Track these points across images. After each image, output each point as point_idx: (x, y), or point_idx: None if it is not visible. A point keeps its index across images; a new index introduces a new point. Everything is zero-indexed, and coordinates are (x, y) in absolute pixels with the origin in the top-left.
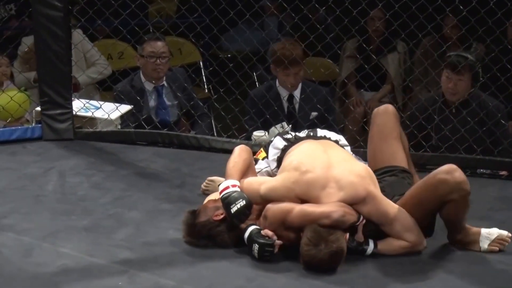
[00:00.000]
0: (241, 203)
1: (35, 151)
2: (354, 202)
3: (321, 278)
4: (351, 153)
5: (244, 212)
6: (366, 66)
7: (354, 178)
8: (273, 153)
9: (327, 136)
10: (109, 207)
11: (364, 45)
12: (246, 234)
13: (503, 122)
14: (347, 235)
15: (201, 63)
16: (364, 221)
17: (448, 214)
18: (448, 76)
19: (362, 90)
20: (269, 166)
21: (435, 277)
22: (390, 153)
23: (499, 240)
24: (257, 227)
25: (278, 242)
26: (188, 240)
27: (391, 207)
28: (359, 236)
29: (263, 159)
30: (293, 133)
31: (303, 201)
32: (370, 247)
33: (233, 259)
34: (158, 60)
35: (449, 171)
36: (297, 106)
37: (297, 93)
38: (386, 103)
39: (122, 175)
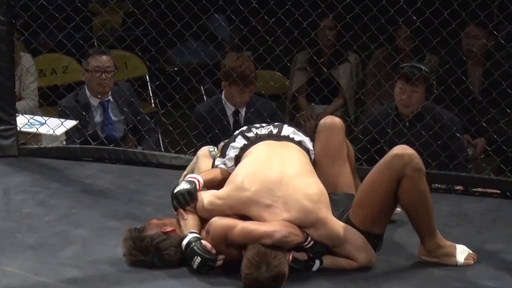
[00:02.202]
0: (185, 186)
1: None
2: (301, 226)
3: None
4: (312, 156)
5: (183, 194)
6: (317, 79)
7: (306, 203)
8: (232, 151)
9: (291, 137)
10: (55, 225)
11: (315, 58)
12: (185, 241)
13: (458, 135)
14: (291, 256)
15: (147, 77)
16: (312, 242)
17: (407, 197)
18: (401, 87)
19: (313, 103)
20: (224, 164)
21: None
22: (334, 177)
23: (471, 255)
24: (197, 235)
25: (221, 256)
26: (132, 257)
27: (342, 229)
28: (302, 255)
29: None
30: (255, 130)
31: (243, 217)
32: (316, 264)
33: (182, 278)
34: (103, 75)
35: (402, 147)
36: (242, 121)
37: (242, 108)
38: (338, 116)
39: (68, 192)
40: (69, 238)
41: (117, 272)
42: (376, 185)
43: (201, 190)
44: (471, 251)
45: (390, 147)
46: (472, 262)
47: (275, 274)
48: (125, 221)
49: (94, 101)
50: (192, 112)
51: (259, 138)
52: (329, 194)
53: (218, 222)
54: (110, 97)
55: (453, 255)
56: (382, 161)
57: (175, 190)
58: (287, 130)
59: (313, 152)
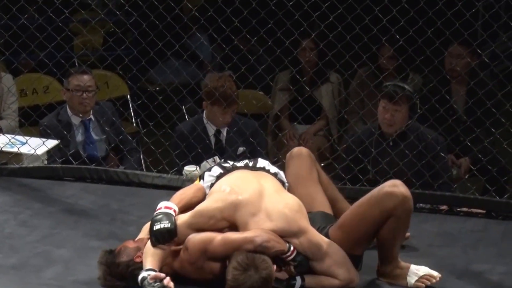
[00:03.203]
0: (165, 224)
1: None
2: (284, 235)
3: None
4: (286, 188)
5: (163, 234)
6: (299, 98)
7: (287, 211)
8: (208, 179)
9: (266, 168)
10: (37, 245)
11: (298, 77)
12: (139, 279)
13: (442, 155)
14: (275, 266)
15: (128, 97)
16: (295, 252)
17: (387, 233)
18: (384, 106)
19: (295, 123)
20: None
21: None
22: (308, 197)
23: (426, 277)
24: (150, 272)
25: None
26: (107, 282)
27: (323, 241)
28: (283, 274)
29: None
30: (231, 162)
31: (231, 224)
32: (298, 282)
33: None
34: (84, 94)
35: (396, 185)
36: (224, 140)
37: (223, 128)
38: (321, 136)
39: (49, 212)
40: (51, 258)
41: None
42: (364, 218)
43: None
44: (431, 272)
45: (374, 167)
46: (423, 285)
47: (264, 276)
48: (108, 241)
49: (75, 120)
50: (174, 131)
51: (235, 168)
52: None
53: (196, 237)
54: (92, 116)
55: (404, 276)
56: (375, 195)
57: (155, 228)
58: (262, 162)
59: (287, 184)
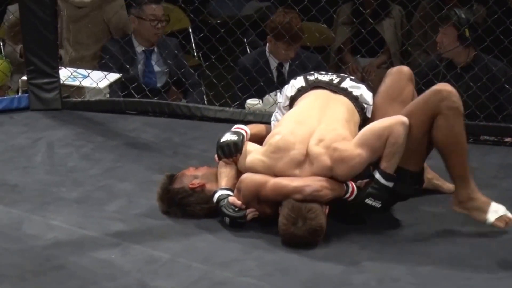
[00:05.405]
0: (232, 137)
1: (22, 122)
2: (325, 174)
3: (320, 251)
4: (368, 113)
5: (229, 145)
6: (363, 30)
7: (319, 149)
8: (290, 90)
9: (349, 90)
10: (99, 179)
11: (361, 9)
12: (215, 199)
13: (507, 86)
14: (327, 209)
15: (190, 29)
16: (355, 192)
17: (440, 135)
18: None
19: (358, 56)
20: (281, 102)
21: (441, 248)
22: (388, 115)
23: (505, 217)
24: (225, 192)
25: (250, 210)
26: (160, 205)
27: (355, 147)
28: (360, 183)
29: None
30: (316, 75)
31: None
32: (377, 176)
33: (229, 230)
34: (159, 24)
35: (443, 84)
36: (286, 74)
37: (286, 62)
38: (384, 69)
39: (112, 146)
40: (113, 192)
41: (163, 226)
42: (411, 118)
43: (247, 142)
44: (508, 215)
45: None
46: (503, 225)
47: (313, 227)
48: None
49: (138, 49)
50: (236, 64)
51: (316, 83)
52: None
53: (249, 179)
54: (155, 48)
55: (484, 211)
56: (421, 96)
57: (222, 140)
58: (348, 83)
59: (370, 106)
